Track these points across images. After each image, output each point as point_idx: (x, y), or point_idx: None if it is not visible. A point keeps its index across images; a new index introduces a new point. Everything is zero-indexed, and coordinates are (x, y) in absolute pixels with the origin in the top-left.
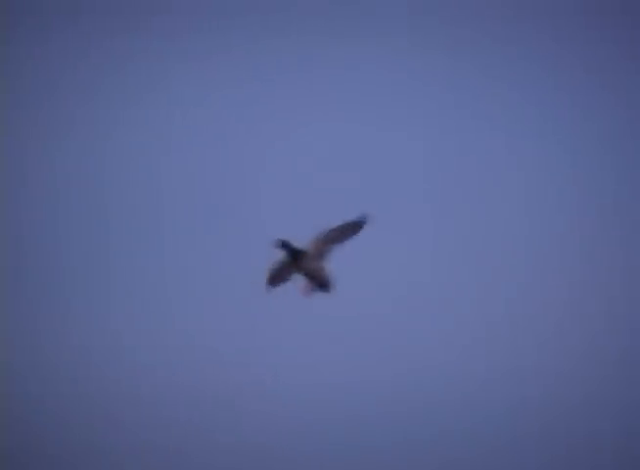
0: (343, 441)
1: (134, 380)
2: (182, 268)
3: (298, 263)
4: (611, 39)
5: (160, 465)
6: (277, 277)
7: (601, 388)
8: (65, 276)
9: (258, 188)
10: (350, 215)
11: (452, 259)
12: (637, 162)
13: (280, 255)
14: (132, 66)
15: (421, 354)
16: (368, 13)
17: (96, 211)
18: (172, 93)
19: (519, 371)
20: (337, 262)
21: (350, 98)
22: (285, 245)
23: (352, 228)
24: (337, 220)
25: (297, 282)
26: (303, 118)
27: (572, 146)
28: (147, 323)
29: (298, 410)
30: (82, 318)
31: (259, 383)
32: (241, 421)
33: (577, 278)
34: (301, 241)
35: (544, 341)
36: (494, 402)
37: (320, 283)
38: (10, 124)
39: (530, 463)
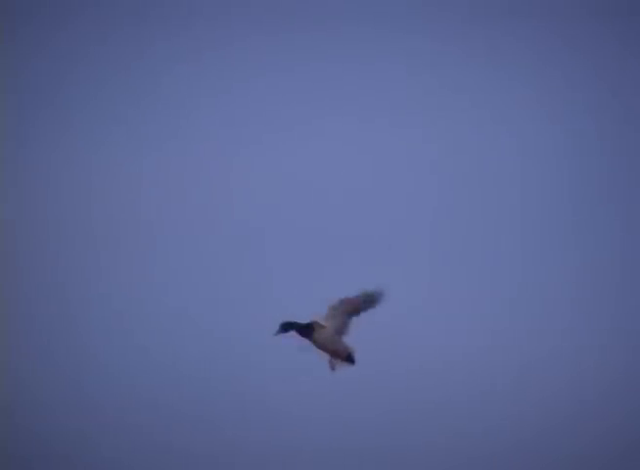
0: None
1: (134, 380)
2: (183, 269)
3: (312, 338)
4: (614, 37)
5: (160, 463)
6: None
7: (603, 391)
8: (64, 275)
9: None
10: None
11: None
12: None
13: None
14: (128, 67)
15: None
16: (371, 12)
17: (94, 212)
18: (174, 93)
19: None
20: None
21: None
22: (289, 326)
23: (368, 301)
24: (346, 285)
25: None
26: (307, 133)
27: (576, 146)
28: (147, 323)
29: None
30: (83, 317)
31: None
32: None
33: (580, 281)
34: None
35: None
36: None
37: (342, 356)
38: (9, 124)
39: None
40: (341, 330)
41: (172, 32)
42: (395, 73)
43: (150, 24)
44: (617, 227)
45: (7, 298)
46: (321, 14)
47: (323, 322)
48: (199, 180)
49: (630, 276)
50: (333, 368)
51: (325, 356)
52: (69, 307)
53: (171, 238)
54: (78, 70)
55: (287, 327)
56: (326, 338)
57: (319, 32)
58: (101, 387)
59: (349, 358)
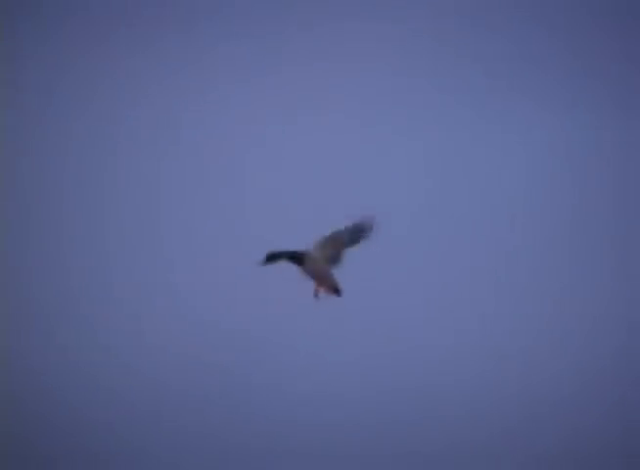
0: (347, 442)
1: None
2: (185, 264)
3: (303, 267)
4: (612, 40)
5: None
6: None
7: (601, 388)
8: (64, 271)
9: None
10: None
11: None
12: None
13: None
14: (127, 64)
15: (425, 358)
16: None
17: (93, 210)
18: (174, 91)
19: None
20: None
21: (352, 99)
22: (275, 256)
23: (360, 231)
24: (339, 221)
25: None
26: (300, 117)
27: (574, 146)
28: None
29: (301, 410)
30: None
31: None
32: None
33: (577, 280)
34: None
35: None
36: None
37: (330, 286)
38: (9, 122)
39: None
40: (332, 261)
41: (172, 30)
42: (396, 74)
43: (149, 22)
44: (618, 227)
45: (9, 290)
46: (324, 11)
47: (314, 252)
48: (198, 178)
49: (625, 277)
50: (317, 296)
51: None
52: (73, 297)
53: (172, 232)
54: (78, 69)
55: (273, 257)
56: (316, 267)
57: (320, 30)
58: (98, 386)
59: (336, 290)
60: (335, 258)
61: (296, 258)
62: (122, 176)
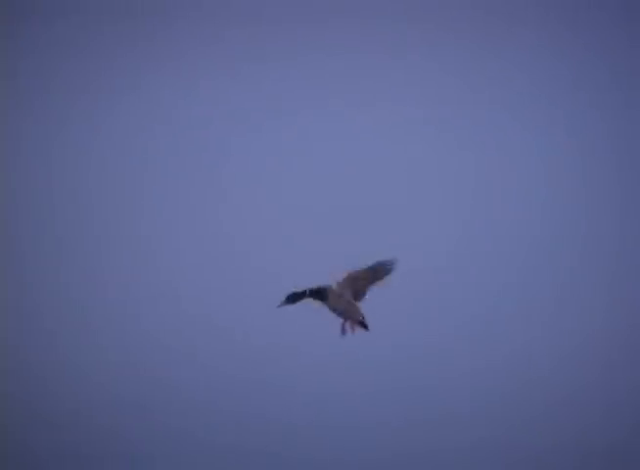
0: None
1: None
2: (192, 268)
3: (327, 302)
4: (625, 33)
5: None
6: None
7: (600, 386)
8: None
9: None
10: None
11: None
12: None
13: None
14: (126, 63)
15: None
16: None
17: (92, 209)
18: (172, 88)
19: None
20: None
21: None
22: (295, 298)
23: (382, 271)
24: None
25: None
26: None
27: (576, 143)
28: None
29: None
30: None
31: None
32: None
33: (579, 277)
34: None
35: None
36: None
37: (356, 321)
38: (9, 122)
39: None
40: (356, 296)
41: (170, 26)
42: (400, 67)
43: (147, 16)
44: (619, 227)
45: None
46: (327, 8)
47: (337, 288)
48: (199, 174)
49: (626, 276)
50: (344, 332)
51: (337, 320)
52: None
53: (171, 230)
54: (77, 67)
55: (293, 298)
56: (340, 302)
57: (322, 26)
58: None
59: (362, 323)
60: (358, 295)
61: (319, 294)
62: (133, 185)
